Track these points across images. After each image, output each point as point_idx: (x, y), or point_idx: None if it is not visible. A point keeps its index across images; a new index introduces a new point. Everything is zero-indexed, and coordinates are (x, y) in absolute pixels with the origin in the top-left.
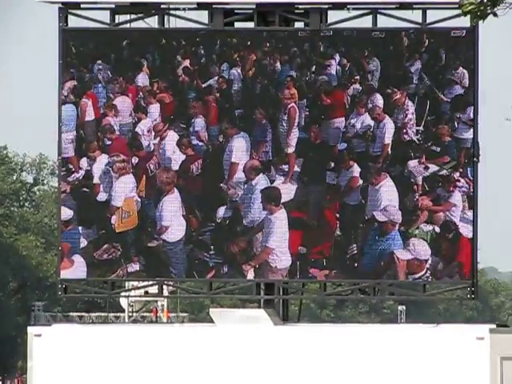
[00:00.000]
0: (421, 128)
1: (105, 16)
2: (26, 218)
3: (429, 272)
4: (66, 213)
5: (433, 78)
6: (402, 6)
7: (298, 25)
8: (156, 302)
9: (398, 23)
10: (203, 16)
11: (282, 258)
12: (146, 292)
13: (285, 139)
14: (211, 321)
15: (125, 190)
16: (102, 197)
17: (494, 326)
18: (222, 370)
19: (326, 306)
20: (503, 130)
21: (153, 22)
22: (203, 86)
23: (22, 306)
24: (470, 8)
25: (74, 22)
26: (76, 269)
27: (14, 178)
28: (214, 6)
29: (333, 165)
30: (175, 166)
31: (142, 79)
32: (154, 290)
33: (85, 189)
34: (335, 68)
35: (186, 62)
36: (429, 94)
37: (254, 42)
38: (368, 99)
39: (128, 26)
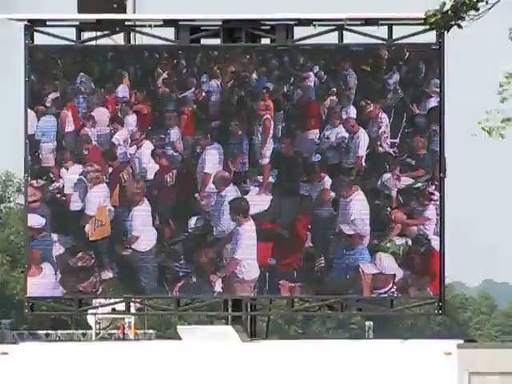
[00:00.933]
0: (396, 140)
1: (71, 33)
2: None
3: (395, 287)
4: (38, 221)
5: (409, 91)
6: (367, 22)
7: (265, 41)
8: (123, 319)
9: (364, 39)
10: (169, 33)
11: (249, 270)
12: (114, 309)
13: (259, 150)
14: (179, 338)
15: (98, 200)
16: (75, 206)
17: (461, 342)
18: None
19: (294, 321)
20: (473, 144)
21: (119, 39)
22: (180, 96)
23: None
24: (433, 19)
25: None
26: (44, 277)
27: None
28: (180, 22)
29: (306, 177)
30: (150, 176)
31: (122, 91)
32: (121, 306)
33: (58, 198)
34: (313, 80)
35: (165, 74)
36: (405, 107)
37: (233, 55)
38: (342, 111)
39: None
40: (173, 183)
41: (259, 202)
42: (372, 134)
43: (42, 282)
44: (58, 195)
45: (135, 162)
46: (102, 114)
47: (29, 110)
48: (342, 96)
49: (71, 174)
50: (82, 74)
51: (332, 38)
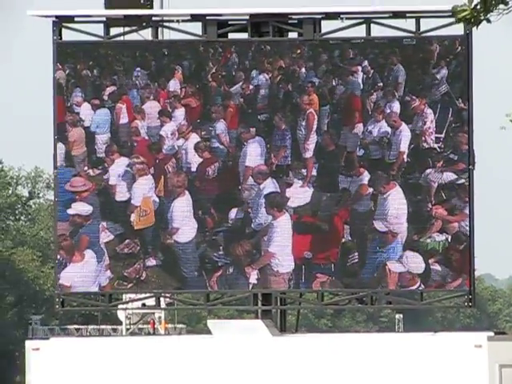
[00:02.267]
0: (442, 135)
1: (99, 29)
2: (22, 231)
3: (422, 286)
4: (85, 208)
5: (455, 86)
6: (395, 15)
7: (292, 35)
8: (153, 313)
9: (392, 32)
10: (197, 28)
11: (283, 263)
12: (144, 304)
13: (303, 144)
14: (209, 332)
15: (143, 190)
16: (121, 196)
17: (491, 334)
18: (221, 381)
19: (324, 315)
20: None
21: (147, 34)
22: (228, 90)
23: (19, 319)
24: (463, 14)
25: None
26: (85, 263)
27: (10, 191)
28: (207, 17)
29: (346, 171)
30: (194, 168)
31: (174, 85)
32: (151, 301)
33: (106, 187)
34: (360, 75)
35: (214, 69)
36: (451, 101)
37: (283, 49)
38: (386, 105)
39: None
40: (215, 175)
41: (302, 194)
42: (417, 130)
43: (82, 271)
44: (106, 185)
45: (182, 154)
46: (152, 107)
47: (85, 103)
48: (388, 91)
49: (119, 165)
50: (138, 68)
51: (360, 31)
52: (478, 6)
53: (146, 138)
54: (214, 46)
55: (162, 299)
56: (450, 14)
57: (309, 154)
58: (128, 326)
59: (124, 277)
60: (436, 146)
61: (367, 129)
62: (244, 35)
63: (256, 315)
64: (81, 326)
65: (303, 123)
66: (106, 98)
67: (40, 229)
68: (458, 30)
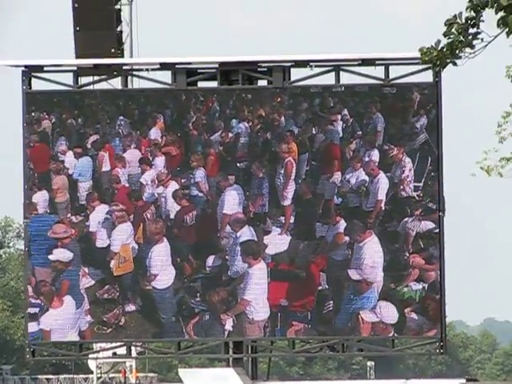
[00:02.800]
0: (420, 184)
1: (68, 78)
2: None
3: (396, 335)
4: (65, 255)
5: (434, 134)
6: (364, 63)
7: (262, 82)
8: (124, 362)
9: (361, 79)
10: (166, 76)
11: (259, 311)
12: (115, 353)
13: (281, 192)
14: (180, 381)
15: (122, 237)
16: (101, 243)
17: (463, 381)
18: None
19: (295, 363)
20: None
21: (116, 83)
22: (208, 138)
23: None
24: (430, 57)
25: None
26: (64, 309)
27: None
28: (176, 66)
29: (323, 219)
30: (172, 216)
31: (155, 133)
32: (122, 350)
33: (86, 234)
34: (340, 123)
35: (195, 117)
36: (430, 150)
37: (264, 97)
38: (365, 154)
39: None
40: (193, 223)
41: (279, 242)
42: (395, 178)
43: (60, 317)
44: (87, 231)
45: (162, 201)
46: (133, 155)
47: (69, 152)
48: (367, 139)
49: (99, 213)
50: (121, 117)
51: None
52: (445, 49)
53: (127, 185)
54: (195, 94)
55: (133, 348)
56: (419, 61)
57: (287, 202)
58: (99, 375)
59: (103, 322)
60: (415, 194)
61: (345, 177)
62: (213, 83)
63: (227, 363)
64: (52, 376)
65: (282, 171)
66: (89, 146)
67: (10, 278)
68: (427, 77)
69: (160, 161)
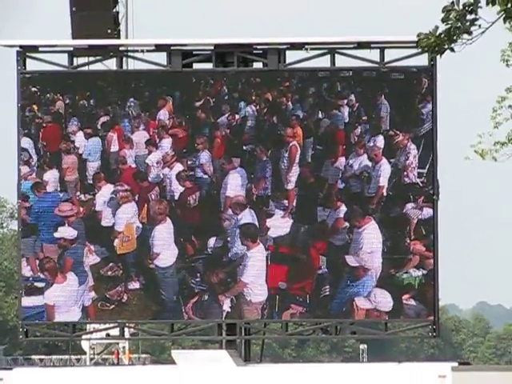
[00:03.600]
0: (424, 171)
1: (63, 59)
2: None
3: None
4: (70, 233)
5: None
6: (359, 46)
7: (257, 65)
8: (117, 344)
9: (357, 62)
10: (162, 57)
11: (256, 293)
12: (108, 334)
13: (285, 176)
14: (173, 362)
15: (126, 217)
16: (106, 222)
17: (455, 364)
18: None
19: (288, 345)
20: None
21: (111, 64)
22: (214, 121)
23: None
24: (427, 43)
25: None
26: (67, 285)
27: None
28: (172, 47)
29: (324, 204)
30: (176, 197)
31: (163, 115)
32: (115, 332)
33: (92, 213)
34: (346, 108)
35: (202, 100)
36: (435, 137)
37: (272, 81)
38: (370, 139)
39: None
40: (196, 204)
41: (282, 225)
42: (399, 164)
43: (64, 292)
44: (93, 210)
45: (167, 182)
46: (141, 136)
47: (79, 132)
48: (372, 125)
49: (104, 192)
50: (131, 98)
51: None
52: (443, 35)
53: (133, 166)
54: (205, 77)
55: (126, 329)
56: (415, 44)
57: (291, 186)
58: (92, 356)
59: (106, 298)
60: (418, 180)
61: (348, 162)
62: (209, 65)
63: (220, 345)
64: (44, 356)
65: (286, 155)
66: (99, 127)
67: (4, 259)
68: (423, 60)
69: (167, 142)
